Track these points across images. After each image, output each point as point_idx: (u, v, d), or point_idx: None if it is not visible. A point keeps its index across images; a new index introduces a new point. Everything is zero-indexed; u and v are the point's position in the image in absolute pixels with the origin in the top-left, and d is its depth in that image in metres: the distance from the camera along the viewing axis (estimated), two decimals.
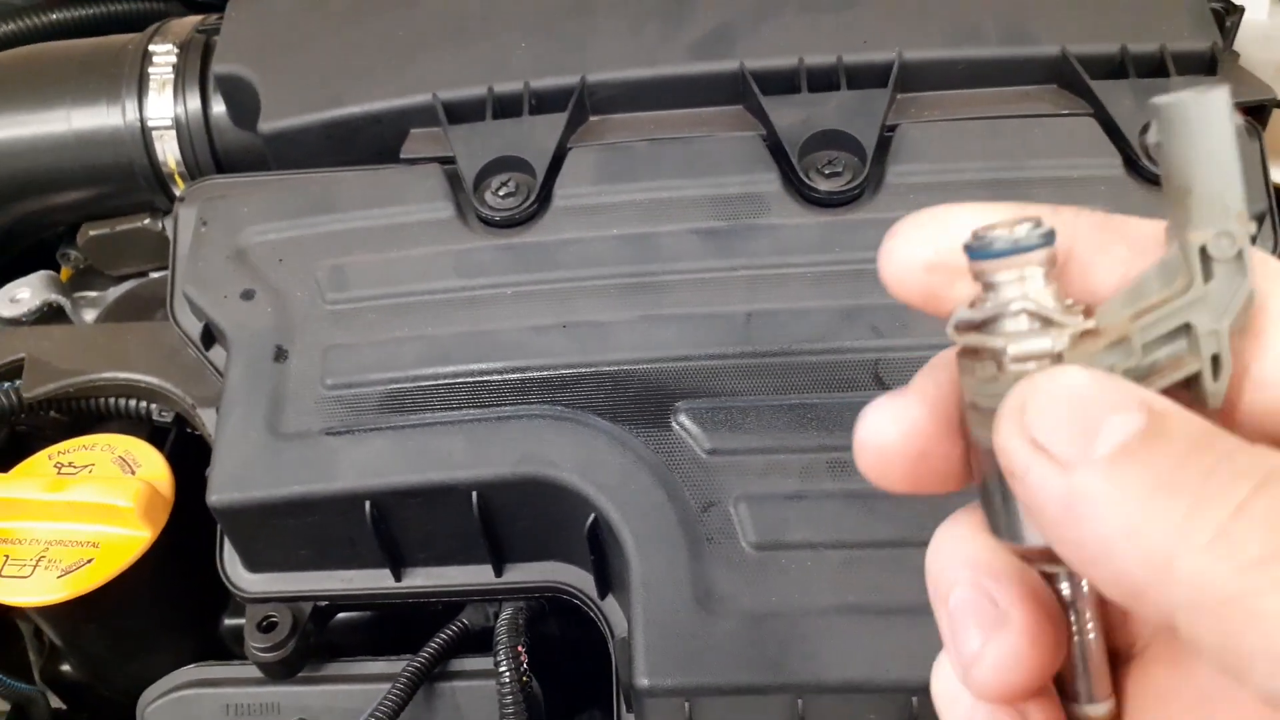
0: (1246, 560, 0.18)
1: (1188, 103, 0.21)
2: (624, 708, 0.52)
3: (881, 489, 0.26)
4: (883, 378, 0.51)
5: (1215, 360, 0.22)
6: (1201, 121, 0.21)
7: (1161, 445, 0.19)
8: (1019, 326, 0.22)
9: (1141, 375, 0.22)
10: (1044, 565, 0.24)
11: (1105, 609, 0.25)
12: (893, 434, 0.25)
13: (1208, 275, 0.22)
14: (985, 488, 0.24)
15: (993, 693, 0.24)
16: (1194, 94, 0.21)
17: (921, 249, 0.25)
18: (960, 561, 0.25)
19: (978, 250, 0.23)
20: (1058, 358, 0.22)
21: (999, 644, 0.24)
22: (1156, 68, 0.58)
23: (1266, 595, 0.17)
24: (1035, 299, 0.22)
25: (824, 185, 0.56)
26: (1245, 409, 0.23)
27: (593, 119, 0.61)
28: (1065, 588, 0.24)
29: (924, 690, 0.46)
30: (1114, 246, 0.24)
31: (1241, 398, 0.23)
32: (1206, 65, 0.58)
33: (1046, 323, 0.22)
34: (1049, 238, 0.22)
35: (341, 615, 0.62)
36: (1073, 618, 0.24)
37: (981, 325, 0.23)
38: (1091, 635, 0.24)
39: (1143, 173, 0.55)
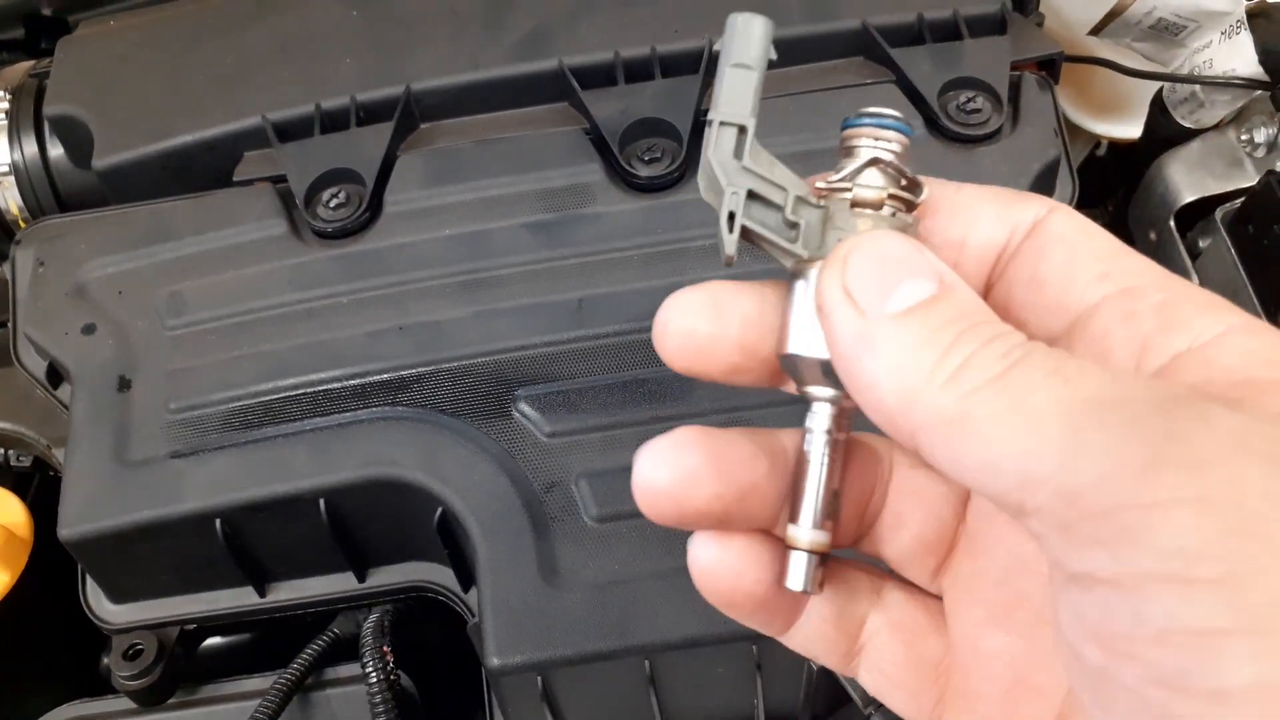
0: (966, 390, 0.24)
1: (739, 16, 0.27)
2: (490, 692, 0.53)
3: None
4: None
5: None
6: (744, 31, 0.27)
7: (936, 311, 0.25)
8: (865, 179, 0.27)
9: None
10: (812, 386, 0.28)
11: (852, 467, 0.29)
12: (700, 314, 0.29)
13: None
14: (791, 310, 0.28)
15: (652, 494, 0.28)
16: (752, 15, 0.27)
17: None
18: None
19: (850, 120, 0.28)
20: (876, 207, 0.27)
21: (657, 446, 0.28)
22: (951, 32, 0.61)
23: (973, 411, 0.23)
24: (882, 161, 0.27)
25: (645, 171, 0.58)
26: (1031, 308, 0.28)
27: (422, 126, 0.62)
28: (813, 420, 0.28)
29: (762, 636, 0.48)
30: (956, 196, 0.29)
31: (1028, 300, 0.28)
32: (997, 26, 0.62)
33: (890, 177, 0.27)
34: (907, 127, 0.28)
35: (219, 638, 0.62)
36: (807, 445, 0.28)
37: (848, 177, 0.28)
38: (820, 466, 0.28)
39: (943, 131, 0.58)
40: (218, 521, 0.52)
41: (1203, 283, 0.69)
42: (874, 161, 0.28)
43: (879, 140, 0.28)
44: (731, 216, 0.28)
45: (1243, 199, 0.67)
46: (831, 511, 0.28)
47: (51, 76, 0.67)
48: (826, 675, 0.49)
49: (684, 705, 0.49)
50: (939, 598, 0.31)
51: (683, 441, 0.28)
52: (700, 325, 0.28)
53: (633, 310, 0.54)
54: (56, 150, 0.68)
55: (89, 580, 0.57)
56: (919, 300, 0.25)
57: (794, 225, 0.27)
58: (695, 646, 0.47)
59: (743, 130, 0.28)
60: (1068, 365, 0.23)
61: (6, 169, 0.68)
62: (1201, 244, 0.71)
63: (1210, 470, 0.20)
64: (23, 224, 0.69)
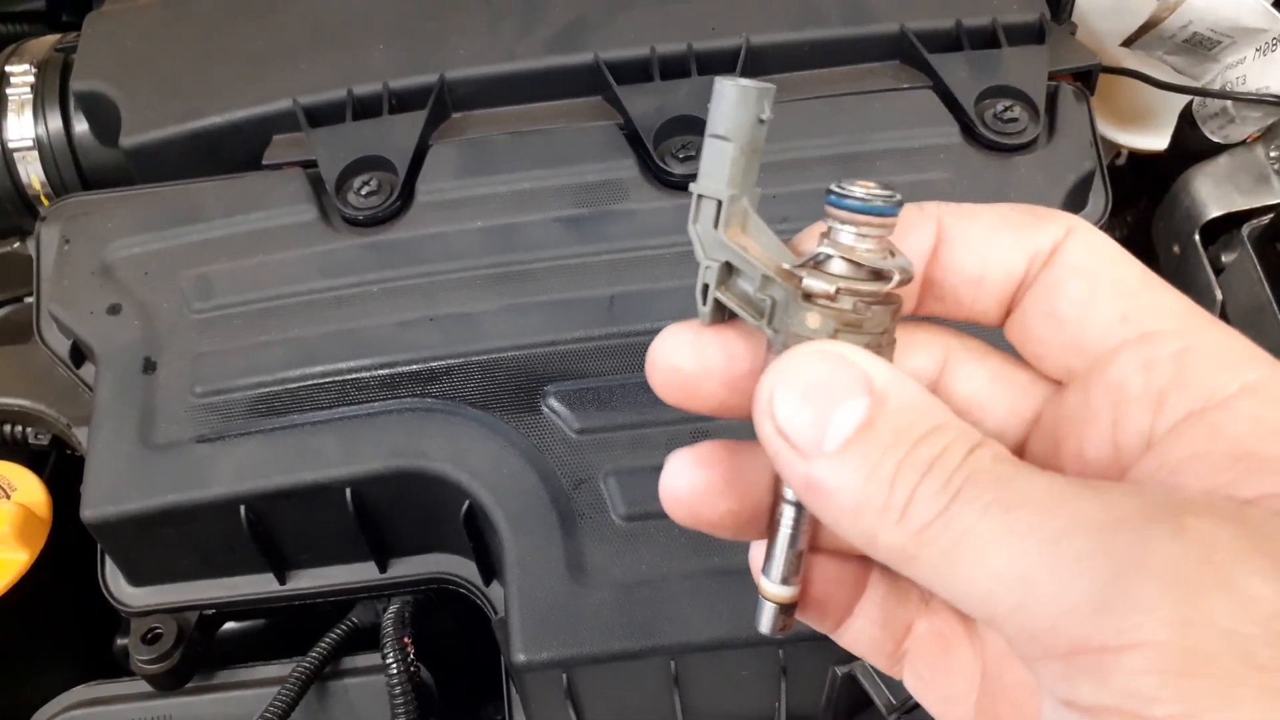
0: (915, 530, 0.24)
1: (724, 84, 0.26)
2: (512, 687, 0.53)
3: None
4: None
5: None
6: (726, 99, 0.26)
7: (873, 438, 0.24)
8: (835, 269, 0.26)
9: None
10: None
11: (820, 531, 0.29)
12: (690, 357, 0.28)
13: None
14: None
15: (672, 502, 0.29)
16: (730, 81, 0.26)
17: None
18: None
19: (832, 199, 0.26)
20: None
21: (682, 458, 0.29)
22: (989, 39, 0.61)
23: (927, 550, 0.23)
24: (859, 251, 0.26)
25: (679, 169, 0.58)
26: (1048, 344, 0.27)
27: (454, 116, 0.62)
28: (785, 488, 0.28)
29: (790, 642, 0.48)
30: (970, 229, 0.28)
31: (1045, 336, 0.27)
32: (1035, 35, 0.61)
33: (871, 272, 0.26)
34: (882, 208, 0.26)
35: (237, 623, 0.62)
36: (777, 511, 0.28)
37: (810, 262, 0.27)
38: (787, 532, 0.28)
39: (980, 139, 0.58)
40: (242, 508, 0.52)
41: (1226, 299, 0.69)
42: (823, 253, 0.26)
43: (843, 225, 0.26)
44: (706, 289, 0.27)
45: (1270, 216, 0.67)
46: (795, 570, 0.29)
47: (79, 52, 0.67)
48: (849, 681, 0.49)
49: (707, 706, 0.49)
50: None
51: (705, 457, 0.29)
52: (685, 363, 0.28)
53: (665, 309, 0.54)
54: (81, 126, 0.68)
55: (108, 562, 0.56)
56: (854, 427, 0.24)
57: (762, 302, 0.27)
58: (721, 649, 0.47)
59: (720, 203, 0.27)
60: (1008, 491, 0.23)
61: (30, 144, 0.68)
62: (1225, 259, 0.71)
63: (1155, 613, 0.20)
64: (45, 200, 0.69)
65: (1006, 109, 0.59)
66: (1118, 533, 0.21)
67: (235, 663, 0.57)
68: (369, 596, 0.57)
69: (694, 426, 0.52)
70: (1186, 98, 0.73)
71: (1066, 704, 0.22)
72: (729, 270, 0.27)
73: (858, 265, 0.26)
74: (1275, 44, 0.65)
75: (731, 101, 0.26)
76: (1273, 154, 0.70)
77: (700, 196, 0.27)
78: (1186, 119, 0.73)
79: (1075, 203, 0.59)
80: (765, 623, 0.29)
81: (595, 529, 0.50)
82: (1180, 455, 0.24)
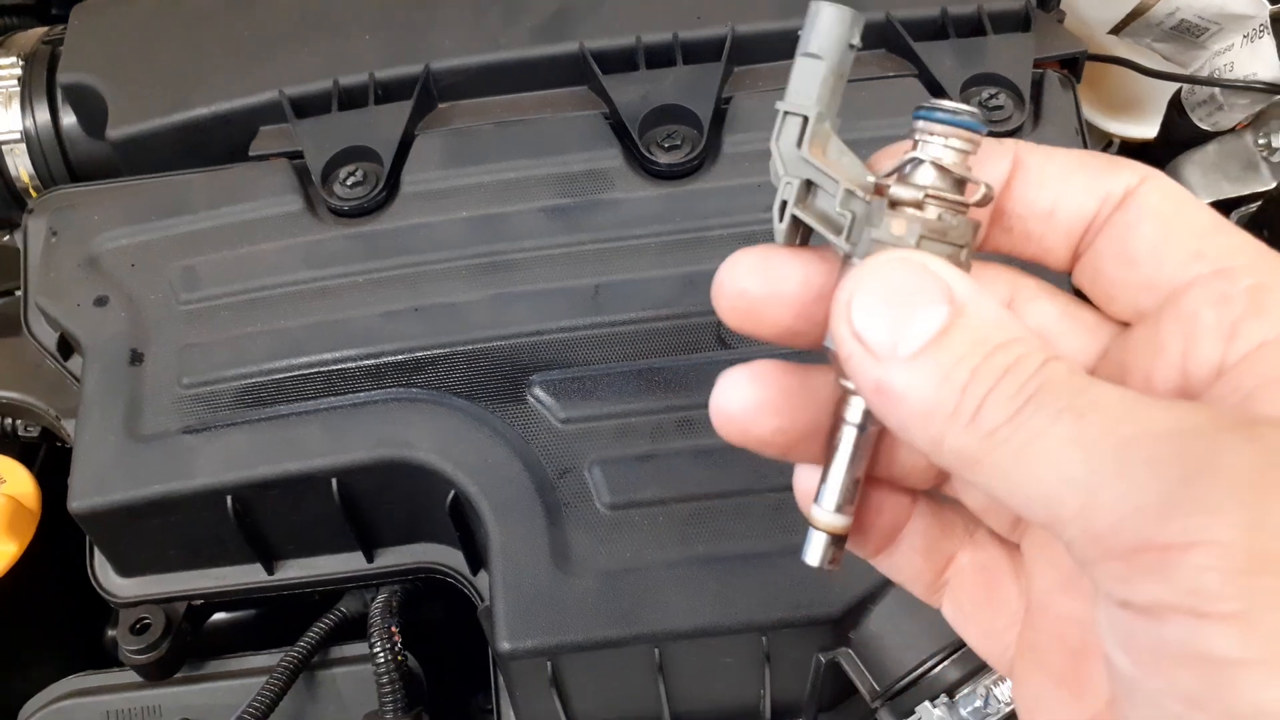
0: (985, 431, 0.24)
1: (821, 4, 0.27)
2: (499, 676, 0.53)
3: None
4: (725, 338, 0.53)
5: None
6: (822, 20, 0.27)
7: (949, 345, 0.25)
8: (924, 178, 0.27)
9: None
10: (845, 380, 0.28)
11: (885, 454, 0.30)
12: (756, 277, 0.29)
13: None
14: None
15: (723, 417, 0.29)
16: (826, 1, 0.27)
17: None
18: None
19: (919, 112, 0.27)
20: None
21: (737, 374, 0.29)
22: (975, 27, 0.61)
23: (995, 452, 0.24)
24: (944, 160, 0.27)
25: (664, 158, 0.58)
26: (1120, 283, 0.28)
27: (440, 106, 0.62)
28: (846, 410, 0.28)
29: (772, 628, 0.49)
30: (1046, 165, 0.29)
31: (1117, 275, 0.28)
32: (1021, 22, 0.61)
33: (954, 180, 0.27)
34: (971, 122, 0.27)
35: (225, 613, 0.62)
36: (837, 432, 0.28)
37: (896, 172, 0.27)
38: (846, 456, 0.28)
39: None
40: (229, 498, 0.52)
41: None
42: (913, 161, 0.27)
43: (932, 136, 0.27)
44: (784, 205, 0.28)
45: (1258, 203, 0.68)
46: (851, 498, 0.29)
47: (66, 44, 0.67)
48: (834, 668, 0.49)
49: (692, 694, 0.49)
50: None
51: (759, 375, 0.29)
52: (754, 286, 0.29)
53: (650, 298, 0.54)
54: (69, 119, 0.68)
55: (96, 553, 0.56)
56: (932, 334, 0.25)
57: (841, 218, 0.27)
58: (705, 636, 0.47)
59: (806, 120, 0.27)
60: (1080, 399, 0.23)
61: (18, 136, 0.68)
62: None
63: (1223, 513, 0.21)
64: (34, 192, 0.69)
65: (992, 96, 0.58)
66: (1191, 439, 0.22)
67: (224, 652, 0.58)
68: (357, 586, 0.58)
69: (680, 415, 0.52)
70: (1175, 85, 0.73)
71: (1124, 604, 0.22)
72: (808, 189, 0.28)
73: (945, 173, 0.27)
74: (1262, 30, 0.65)
75: (828, 21, 0.27)
76: (1261, 141, 0.70)
77: (786, 113, 0.27)
78: (1175, 107, 0.73)
79: None
80: (814, 554, 0.29)
81: (580, 518, 0.50)
82: (1253, 382, 0.24)
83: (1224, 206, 0.71)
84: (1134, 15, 0.71)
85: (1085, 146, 0.59)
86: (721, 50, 0.60)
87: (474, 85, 0.62)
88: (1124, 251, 0.27)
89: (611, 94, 0.59)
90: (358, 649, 0.57)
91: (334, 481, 0.52)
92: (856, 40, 0.27)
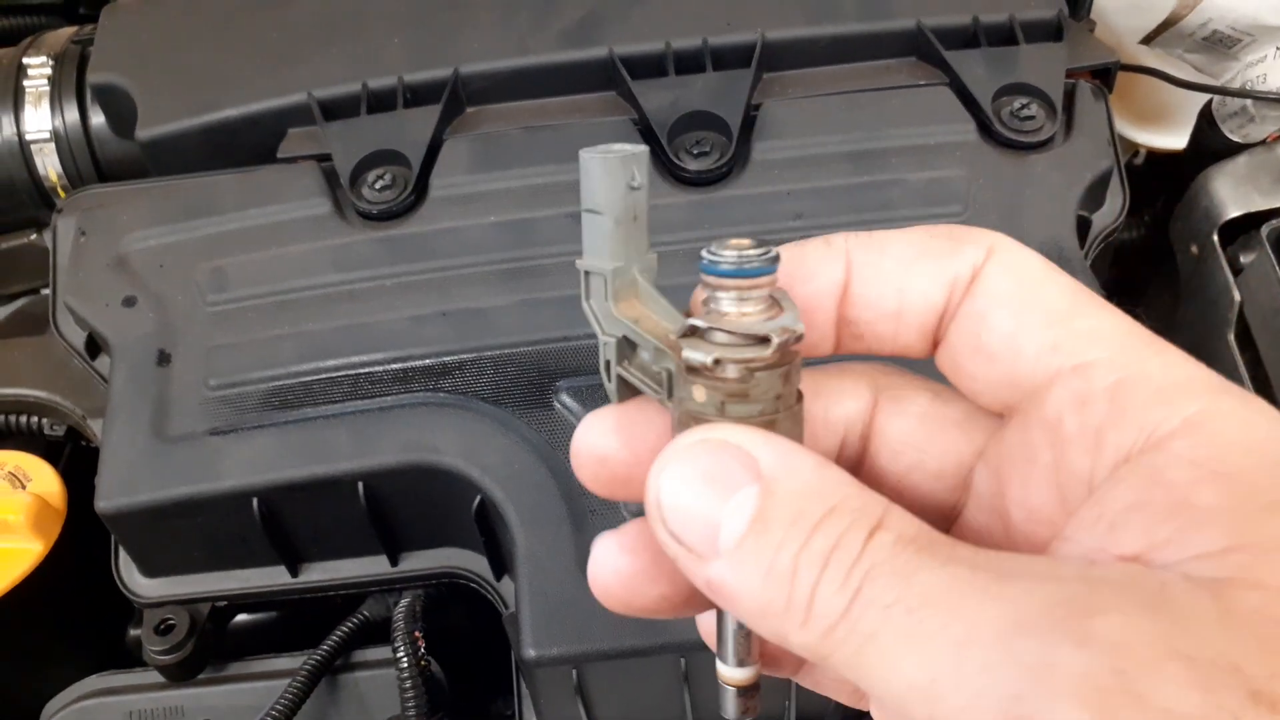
0: (822, 631, 0.22)
1: (588, 157, 0.25)
2: (522, 683, 0.53)
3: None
4: None
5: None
6: (591, 173, 0.25)
7: (768, 531, 0.23)
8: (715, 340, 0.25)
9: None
10: None
11: None
12: (602, 441, 0.27)
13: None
14: None
15: (602, 591, 0.27)
16: (593, 154, 0.25)
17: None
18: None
19: (705, 266, 0.25)
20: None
21: (607, 544, 0.27)
22: (1007, 36, 0.61)
23: (837, 653, 0.22)
24: (736, 319, 0.24)
25: (693, 165, 0.57)
26: (980, 379, 0.26)
27: (469, 110, 0.62)
28: None
29: None
30: (881, 261, 0.26)
31: (976, 371, 0.26)
32: (1053, 32, 0.61)
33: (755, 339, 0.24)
34: (770, 265, 0.24)
35: (248, 615, 0.63)
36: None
37: (691, 332, 0.25)
38: (732, 617, 0.26)
39: (996, 137, 0.58)
40: (255, 500, 0.52)
41: (1245, 300, 0.68)
42: (692, 330, 0.25)
43: (719, 292, 0.24)
44: (608, 365, 0.26)
45: None
46: (749, 649, 0.27)
47: (95, 44, 0.67)
48: None
49: (716, 704, 0.49)
50: None
51: (631, 542, 0.27)
52: (610, 450, 0.27)
53: (678, 305, 0.54)
54: (98, 118, 0.68)
55: (121, 553, 0.57)
56: (747, 520, 0.23)
57: (659, 375, 0.26)
58: None
59: (605, 278, 0.26)
60: (909, 590, 0.21)
61: (48, 135, 0.68)
62: (1244, 260, 0.70)
63: None
64: (61, 192, 0.69)
65: (1023, 106, 0.58)
66: (1022, 639, 0.20)
67: (247, 654, 0.58)
68: (380, 590, 0.58)
69: None
70: (1206, 96, 0.72)
71: None
72: (629, 344, 0.26)
73: (728, 338, 0.24)
74: None
75: (597, 175, 0.25)
76: None
77: (587, 272, 0.26)
78: (1206, 118, 0.72)
79: (1092, 202, 0.59)
80: (730, 709, 0.28)
81: (606, 525, 0.49)
82: (1118, 506, 0.22)
83: (1254, 219, 0.70)
84: (1166, 25, 0.71)
85: (1118, 159, 0.59)
86: (751, 57, 0.60)
87: (502, 90, 0.62)
88: (978, 346, 0.25)
89: (640, 100, 0.59)
90: (379, 653, 0.57)
91: (361, 485, 0.52)
92: (639, 180, 0.25)
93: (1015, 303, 0.25)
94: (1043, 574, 0.21)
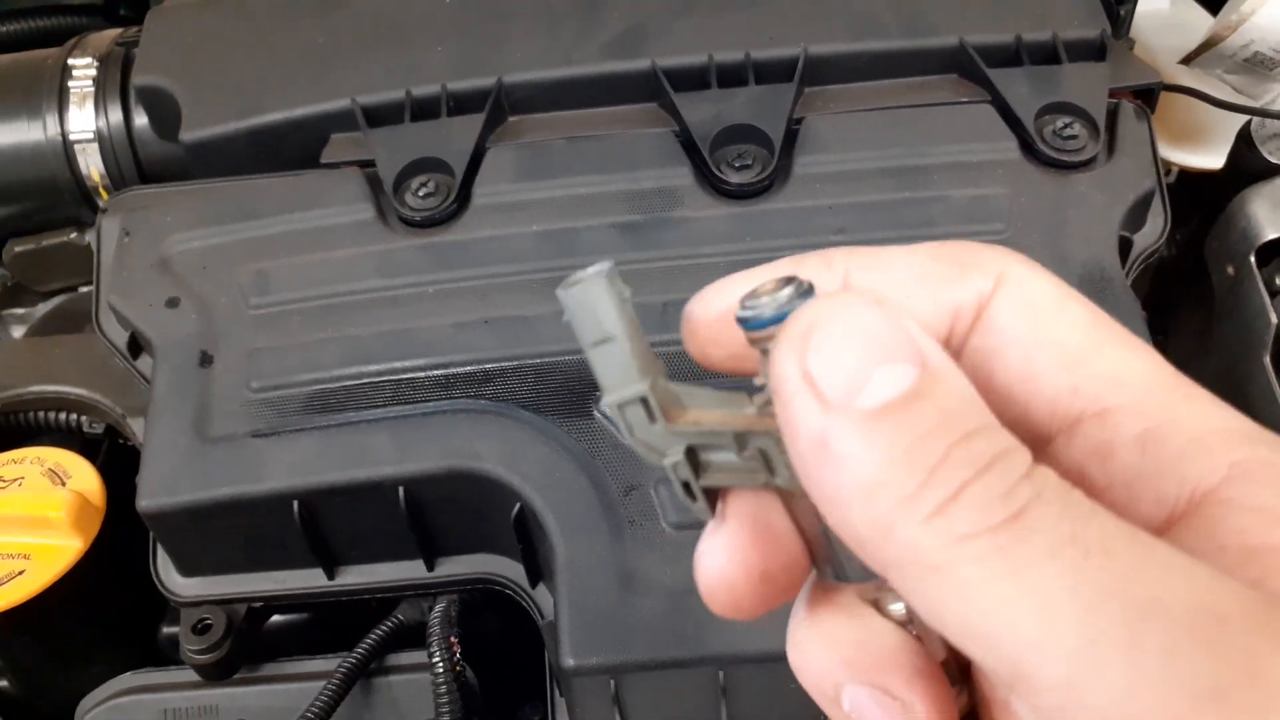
0: (954, 537, 0.19)
1: (568, 292, 0.23)
2: (556, 691, 0.53)
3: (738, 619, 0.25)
4: None
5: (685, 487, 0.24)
6: (583, 304, 0.23)
7: (917, 413, 0.20)
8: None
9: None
10: (878, 595, 0.24)
11: None
12: (729, 566, 0.24)
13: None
14: (816, 536, 0.24)
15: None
16: (576, 286, 0.23)
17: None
18: (836, 660, 0.24)
19: (747, 322, 0.23)
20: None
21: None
22: (1050, 55, 0.61)
23: (963, 566, 0.19)
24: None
25: (735, 178, 0.58)
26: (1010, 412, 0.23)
27: (511, 119, 0.62)
28: (912, 624, 0.24)
29: None
30: (881, 283, 0.24)
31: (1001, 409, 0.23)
32: (1097, 51, 0.61)
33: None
34: (810, 293, 0.22)
35: (283, 616, 0.63)
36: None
37: (762, 398, 0.23)
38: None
39: (1039, 156, 0.58)
40: (295, 503, 0.52)
41: None
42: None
43: (769, 343, 0.22)
44: (687, 485, 0.24)
45: None
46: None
47: (140, 47, 0.67)
48: None
49: (754, 718, 0.49)
50: None
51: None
52: (737, 576, 0.24)
53: None
54: (141, 120, 0.69)
55: (160, 552, 0.57)
56: (897, 393, 0.20)
57: (752, 462, 0.23)
58: (771, 661, 0.47)
59: (644, 400, 0.23)
60: (1088, 529, 0.19)
61: (91, 136, 0.69)
62: None
63: None
64: (104, 192, 0.70)
65: (1066, 126, 0.58)
66: (1219, 630, 0.18)
67: (281, 655, 0.58)
68: (415, 594, 0.58)
69: None
70: (1244, 117, 0.72)
71: None
72: (695, 455, 0.24)
73: None
74: None
75: (597, 299, 0.23)
76: None
77: (620, 406, 0.24)
78: (1244, 139, 0.72)
79: (1134, 222, 0.59)
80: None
81: (645, 536, 0.50)
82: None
83: None
84: (1206, 45, 0.71)
85: (1160, 178, 0.59)
86: (794, 71, 0.60)
87: (545, 99, 0.62)
88: (990, 387, 0.23)
89: (683, 112, 0.60)
90: (413, 657, 0.57)
91: (401, 490, 0.52)
92: (626, 291, 0.23)
93: (1028, 340, 0.23)
94: (1228, 579, 0.19)
